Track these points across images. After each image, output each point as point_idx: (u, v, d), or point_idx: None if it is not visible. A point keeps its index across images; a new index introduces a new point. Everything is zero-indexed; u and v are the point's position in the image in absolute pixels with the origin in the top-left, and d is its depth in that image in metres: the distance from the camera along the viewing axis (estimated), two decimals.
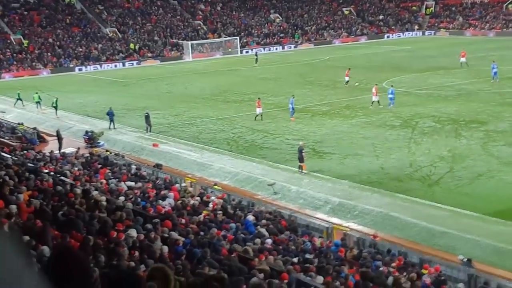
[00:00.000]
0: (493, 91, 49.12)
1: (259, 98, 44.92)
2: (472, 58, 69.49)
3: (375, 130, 39.38)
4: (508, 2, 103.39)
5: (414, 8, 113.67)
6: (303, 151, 31.91)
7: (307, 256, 18.56)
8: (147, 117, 42.81)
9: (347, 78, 56.02)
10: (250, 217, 22.50)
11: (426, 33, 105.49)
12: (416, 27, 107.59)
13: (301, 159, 31.81)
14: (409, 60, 71.89)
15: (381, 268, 17.86)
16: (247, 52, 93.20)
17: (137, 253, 13.97)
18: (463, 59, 62.38)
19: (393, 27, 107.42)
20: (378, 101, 45.81)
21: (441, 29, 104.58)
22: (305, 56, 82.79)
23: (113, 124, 44.42)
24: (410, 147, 35.10)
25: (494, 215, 24.59)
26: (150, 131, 42.57)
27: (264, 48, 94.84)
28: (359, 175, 30.77)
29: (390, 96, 45.49)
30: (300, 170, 31.88)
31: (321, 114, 45.02)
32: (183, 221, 20.24)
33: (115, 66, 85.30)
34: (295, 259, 17.78)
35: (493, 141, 35.13)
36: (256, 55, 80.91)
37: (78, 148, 36.11)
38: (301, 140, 34.18)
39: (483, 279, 18.60)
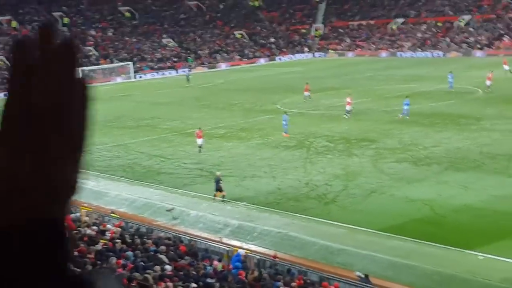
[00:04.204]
0: (382, 110, 50.85)
1: (199, 128, 41.78)
2: (361, 78, 71.98)
3: (271, 151, 39.89)
4: (392, 23, 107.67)
5: (304, 30, 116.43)
6: (220, 181, 30.89)
7: (208, 280, 18.53)
8: None
9: (307, 93, 58.08)
10: (241, 251, 22.30)
11: (316, 54, 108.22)
12: (306, 49, 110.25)
13: (219, 189, 30.71)
14: (300, 81, 73.08)
15: None
16: (141, 77, 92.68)
17: None
18: (506, 67, 65.30)
19: (284, 50, 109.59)
20: (350, 111, 48.43)
21: (330, 51, 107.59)
22: (199, 79, 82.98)
23: None
24: (306, 167, 35.75)
25: (388, 231, 25.36)
26: None
27: (158, 73, 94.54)
28: (257, 196, 31.03)
29: (405, 107, 46.69)
30: (221, 197, 30.77)
31: (218, 137, 45.16)
32: (80, 251, 19.77)
33: (5, 95, 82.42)
34: (196, 284, 17.71)
35: (384, 158, 36.31)
36: (187, 75, 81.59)
37: None
38: (219, 171, 32.78)
39: None
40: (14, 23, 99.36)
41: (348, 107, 48.92)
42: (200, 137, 40.55)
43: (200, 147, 40.45)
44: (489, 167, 32.99)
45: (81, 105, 1.10)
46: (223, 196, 30.80)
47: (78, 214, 28.14)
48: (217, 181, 30.97)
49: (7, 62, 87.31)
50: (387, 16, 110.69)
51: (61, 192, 1.13)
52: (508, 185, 29.82)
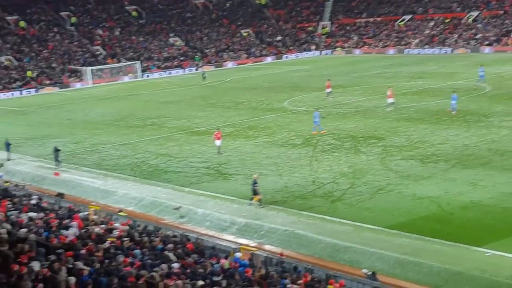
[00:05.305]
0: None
1: (218, 129, 42.25)
2: (368, 75, 71.88)
3: (277, 150, 39.90)
4: (399, 20, 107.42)
5: (310, 28, 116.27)
6: (256, 184, 30.08)
7: (215, 278, 18.56)
8: (56, 151, 39.84)
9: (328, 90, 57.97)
10: (238, 254, 22.01)
11: (323, 52, 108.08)
12: (313, 47, 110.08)
13: (254, 192, 29.98)
14: (308, 80, 73.38)
15: (288, 286, 18.08)
16: (148, 76, 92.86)
17: (41, 285, 13.60)
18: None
19: (291, 48, 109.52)
20: (393, 103, 49.57)
21: (337, 48, 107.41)
22: (206, 78, 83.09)
23: (9, 154, 43.08)
24: (312, 165, 35.75)
25: (395, 228, 25.34)
26: (59, 166, 39.45)
27: (165, 71, 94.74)
28: (264, 194, 30.98)
29: (453, 101, 46.23)
30: (253, 202, 29.94)
31: (225, 135, 45.16)
32: (88, 250, 19.84)
33: (12, 94, 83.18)
34: (203, 282, 17.74)
35: (391, 155, 36.25)
36: (203, 73, 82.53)
37: None
38: (255, 173, 32.00)
39: None
40: (22, 23, 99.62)
41: (390, 100, 49.49)
42: (219, 138, 40.33)
43: (219, 148, 40.07)
44: (497, 164, 32.87)
45: None
46: (259, 200, 29.86)
47: (86, 212, 28.25)
48: (254, 183, 30.14)
49: (14, 62, 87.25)
50: (394, 13, 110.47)
51: None
52: None
